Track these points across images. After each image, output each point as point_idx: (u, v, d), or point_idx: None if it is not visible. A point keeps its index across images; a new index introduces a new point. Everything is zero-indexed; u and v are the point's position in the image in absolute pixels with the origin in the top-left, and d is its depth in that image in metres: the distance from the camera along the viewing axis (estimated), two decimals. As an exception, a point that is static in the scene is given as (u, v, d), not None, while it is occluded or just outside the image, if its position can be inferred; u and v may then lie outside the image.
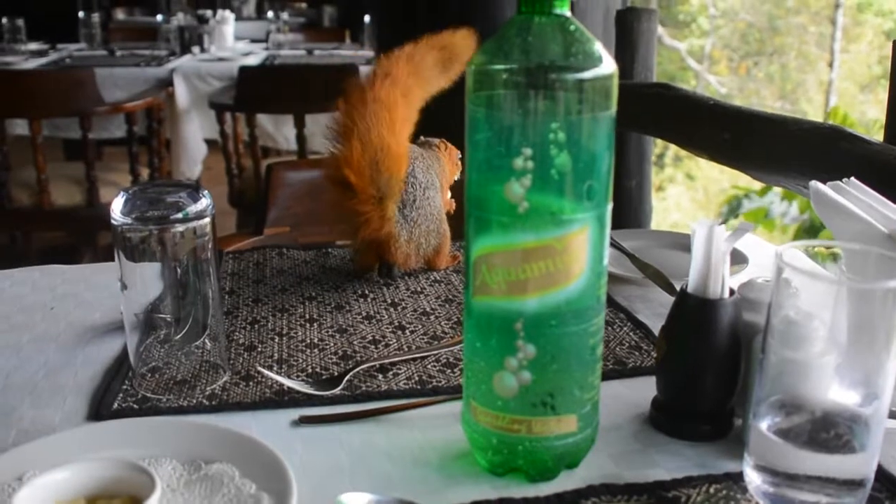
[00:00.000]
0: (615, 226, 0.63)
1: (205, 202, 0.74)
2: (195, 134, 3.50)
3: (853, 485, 0.56)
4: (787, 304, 0.56)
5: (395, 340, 0.88)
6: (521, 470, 0.63)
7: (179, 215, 0.73)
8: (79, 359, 0.83)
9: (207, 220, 0.74)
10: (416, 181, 1.01)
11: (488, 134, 0.58)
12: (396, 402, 0.74)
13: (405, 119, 0.99)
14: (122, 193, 0.74)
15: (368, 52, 4.16)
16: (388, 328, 0.91)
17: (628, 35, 2.13)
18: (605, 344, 0.83)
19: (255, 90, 2.85)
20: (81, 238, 3.28)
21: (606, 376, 0.68)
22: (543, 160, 0.56)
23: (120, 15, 6.43)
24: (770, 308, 0.57)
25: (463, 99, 0.59)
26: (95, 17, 4.59)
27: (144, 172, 2.97)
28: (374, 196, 0.97)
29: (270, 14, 5.55)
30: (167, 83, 3.43)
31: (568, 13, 0.58)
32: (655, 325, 0.87)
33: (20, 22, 4.22)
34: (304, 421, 0.71)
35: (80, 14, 4.62)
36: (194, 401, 0.74)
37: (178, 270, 0.75)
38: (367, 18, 4.47)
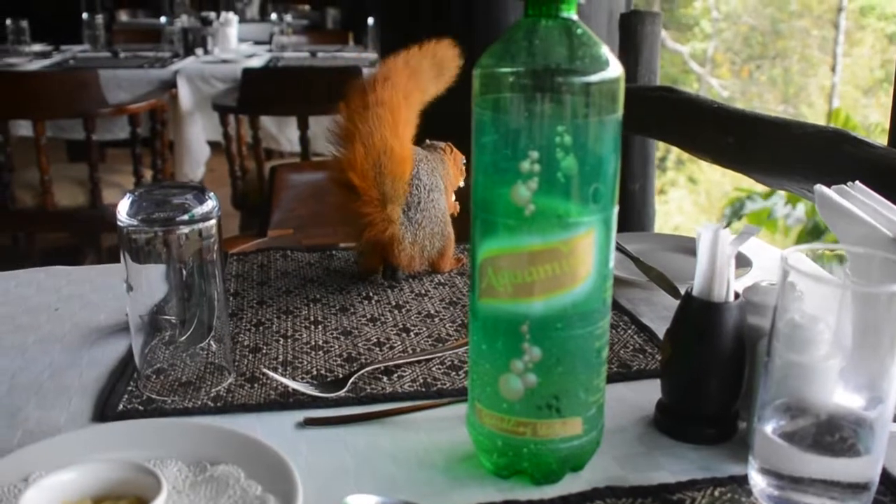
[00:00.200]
0: (618, 229, 0.63)
1: (211, 204, 0.75)
2: (198, 136, 3.51)
3: (858, 488, 0.56)
4: (791, 308, 0.56)
5: (399, 343, 0.88)
6: (525, 472, 0.63)
7: (185, 217, 0.73)
8: (84, 360, 0.84)
9: (213, 221, 0.75)
10: (420, 183, 1.01)
11: (495, 137, 0.58)
12: (401, 405, 0.74)
13: (407, 121, 0.99)
14: (128, 195, 0.74)
15: (372, 55, 4.16)
16: (392, 330, 0.91)
17: (632, 38, 2.13)
18: (610, 347, 0.83)
19: (258, 92, 2.85)
20: (84, 239, 3.28)
21: (611, 379, 0.68)
22: (550, 163, 0.56)
23: (123, 17, 6.44)
24: (775, 311, 0.57)
25: (468, 104, 0.59)
26: (99, 18, 4.61)
27: (148, 174, 2.97)
28: (377, 198, 0.97)
29: (274, 16, 5.56)
30: (171, 85, 3.44)
31: (575, 16, 0.58)
32: (660, 329, 0.87)
33: (24, 23, 4.22)
34: (309, 423, 0.71)
35: (84, 16, 4.64)
36: (199, 402, 0.74)
37: (184, 272, 0.75)
38: (370, 21, 4.48)
